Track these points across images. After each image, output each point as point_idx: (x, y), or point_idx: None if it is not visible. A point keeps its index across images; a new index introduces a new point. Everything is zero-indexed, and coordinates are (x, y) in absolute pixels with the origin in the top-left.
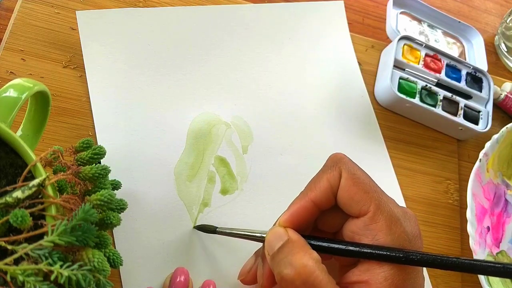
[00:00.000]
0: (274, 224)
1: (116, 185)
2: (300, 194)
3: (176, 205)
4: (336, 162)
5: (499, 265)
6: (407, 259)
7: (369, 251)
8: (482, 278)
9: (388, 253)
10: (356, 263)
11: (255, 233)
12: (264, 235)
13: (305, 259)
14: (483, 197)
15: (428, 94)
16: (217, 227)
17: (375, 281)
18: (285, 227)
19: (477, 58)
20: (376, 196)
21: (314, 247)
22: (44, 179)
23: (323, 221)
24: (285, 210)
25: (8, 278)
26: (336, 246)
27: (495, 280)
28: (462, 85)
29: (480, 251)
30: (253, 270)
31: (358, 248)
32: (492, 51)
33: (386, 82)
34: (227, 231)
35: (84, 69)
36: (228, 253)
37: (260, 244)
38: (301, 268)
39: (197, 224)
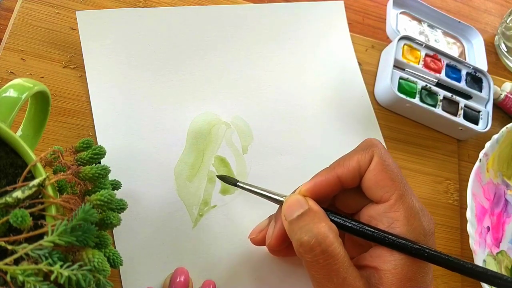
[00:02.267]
0: (294, 191)
1: (116, 185)
2: (327, 168)
3: (176, 205)
4: (370, 146)
5: (510, 279)
6: (417, 253)
7: (382, 235)
8: None
9: (400, 242)
10: (366, 251)
11: (274, 194)
12: (282, 199)
13: (325, 229)
14: (483, 197)
15: (428, 94)
16: (238, 181)
17: (384, 267)
18: (305, 196)
19: (477, 58)
20: (400, 186)
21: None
22: (44, 179)
23: (342, 200)
24: (308, 180)
25: (8, 278)
26: (350, 224)
27: None
28: (462, 85)
29: (480, 251)
30: (265, 231)
31: (372, 231)
32: (492, 51)
33: (386, 82)
34: (247, 186)
35: (84, 69)
36: (228, 253)
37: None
38: (322, 238)
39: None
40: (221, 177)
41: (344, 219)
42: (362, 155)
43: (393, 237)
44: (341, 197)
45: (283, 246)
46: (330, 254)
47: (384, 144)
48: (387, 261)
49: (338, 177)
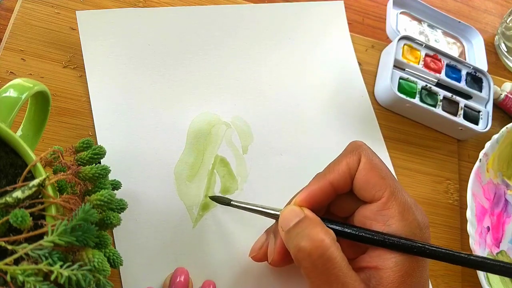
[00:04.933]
0: (289, 203)
1: (116, 185)
2: (318, 176)
3: (176, 205)
4: (356, 148)
5: (509, 265)
6: (419, 250)
7: (381, 238)
8: (482, 278)
9: (401, 242)
10: (364, 252)
11: (268, 209)
12: (278, 213)
13: (322, 234)
14: (483, 197)
15: (428, 94)
16: (231, 200)
17: (385, 266)
18: (300, 206)
19: (477, 58)
20: (391, 183)
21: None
22: (44, 179)
23: (336, 204)
24: (300, 190)
25: (8, 278)
26: (349, 230)
27: (495, 280)
28: (462, 85)
29: (480, 251)
30: (265, 246)
31: (370, 234)
32: (492, 51)
33: (386, 82)
34: (241, 205)
35: (84, 69)
36: (228, 253)
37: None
38: (319, 242)
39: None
40: (213, 198)
41: (342, 226)
42: (350, 157)
43: (393, 238)
44: (335, 202)
45: (286, 260)
46: (328, 259)
47: (384, 144)
48: (387, 259)
49: (330, 183)
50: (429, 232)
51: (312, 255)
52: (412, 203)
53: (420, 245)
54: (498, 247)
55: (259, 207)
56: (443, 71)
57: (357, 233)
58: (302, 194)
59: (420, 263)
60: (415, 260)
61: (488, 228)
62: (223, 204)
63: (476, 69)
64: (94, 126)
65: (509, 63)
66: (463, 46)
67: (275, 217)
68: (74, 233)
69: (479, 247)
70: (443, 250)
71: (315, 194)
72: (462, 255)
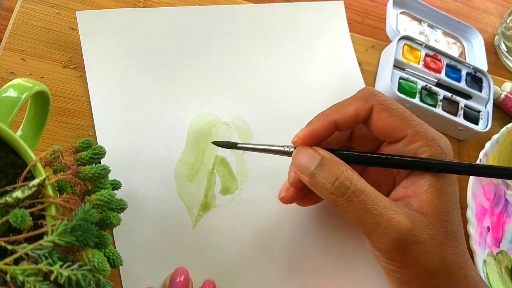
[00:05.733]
0: (294, 138)
1: (116, 185)
2: (323, 113)
3: (176, 205)
4: (370, 96)
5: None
6: (454, 167)
7: (413, 159)
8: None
9: (436, 162)
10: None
11: (275, 147)
12: (286, 149)
13: (349, 172)
14: (483, 197)
15: (428, 94)
16: (237, 143)
17: (421, 190)
18: (304, 141)
19: (477, 58)
20: (412, 122)
21: (357, 158)
22: (44, 179)
23: (356, 143)
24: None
25: (8, 278)
26: (381, 156)
27: (495, 280)
28: (462, 85)
29: (480, 251)
30: (291, 188)
31: (407, 158)
32: (492, 51)
33: (386, 82)
34: (247, 146)
35: (84, 69)
36: (229, 253)
37: None
38: (349, 180)
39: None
40: (217, 143)
41: (370, 154)
42: (361, 104)
43: (427, 160)
44: (354, 140)
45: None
46: (360, 190)
47: None
48: (422, 184)
49: (335, 123)
50: (453, 155)
51: (345, 193)
52: (435, 134)
53: (459, 162)
54: (498, 247)
55: (266, 145)
56: (443, 71)
57: (391, 157)
58: (305, 130)
59: (449, 179)
60: (444, 180)
61: (488, 228)
62: (229, 148)
63: (476, 69)
64: (94, 126)
65: (509, 63)
66: (463, 46)
67: (283, 153)
68: (74, 233)
69: (479, 247)
70: (477, 166)
71: (318, 131)
72: (493, 166)
